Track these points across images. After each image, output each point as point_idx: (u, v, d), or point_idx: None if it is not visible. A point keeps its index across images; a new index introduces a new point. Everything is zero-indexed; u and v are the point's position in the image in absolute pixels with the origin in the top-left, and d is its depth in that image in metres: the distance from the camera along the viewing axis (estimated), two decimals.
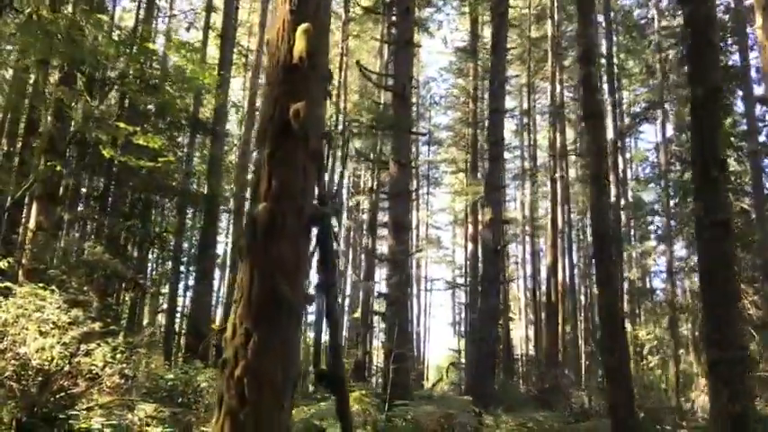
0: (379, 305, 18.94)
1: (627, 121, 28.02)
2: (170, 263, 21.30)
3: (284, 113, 4.53)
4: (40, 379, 11.14)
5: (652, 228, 29.21)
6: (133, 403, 9.94)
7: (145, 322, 21.37)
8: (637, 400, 14.87)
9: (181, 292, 20.16)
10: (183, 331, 18.88)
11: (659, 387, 19.95)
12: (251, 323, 4.30)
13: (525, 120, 29.44)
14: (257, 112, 25.73)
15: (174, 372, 11.43)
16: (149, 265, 19.40)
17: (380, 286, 30.16)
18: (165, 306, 21.83)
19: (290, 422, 4.51)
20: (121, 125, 15.33)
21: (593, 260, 10.12)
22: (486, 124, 16.72)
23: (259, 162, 4.70)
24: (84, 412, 9.61)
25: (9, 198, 17.82)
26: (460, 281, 44.72)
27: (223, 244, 27.58)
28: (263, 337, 4.26)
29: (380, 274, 45.36)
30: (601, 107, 11.29)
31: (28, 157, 17.57)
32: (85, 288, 12.75)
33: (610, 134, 24.26)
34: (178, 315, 20.11)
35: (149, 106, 19.99)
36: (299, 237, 4.50)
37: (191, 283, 20.83)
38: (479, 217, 14.68)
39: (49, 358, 11.02)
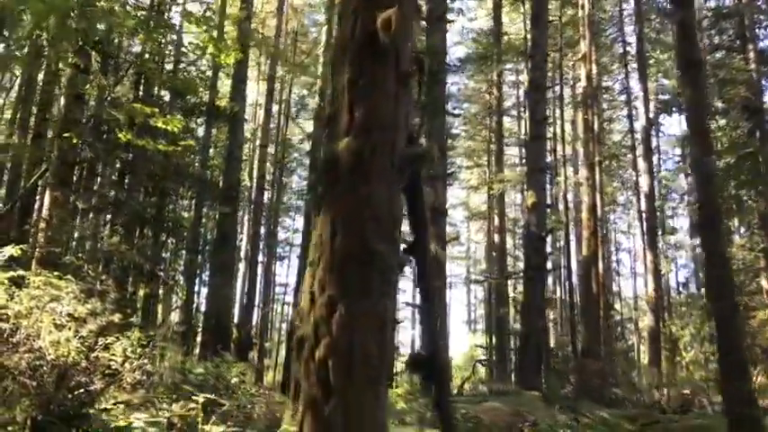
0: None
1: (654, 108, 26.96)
2: (184, 254, 20.39)
3: (368, 25, 3.57)
4: (55, 374, 10.29)
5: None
6: (159, 400, 9.01)
7: (158, 317, 20.43)
8: None
9: (193, 286, 19.22)
10: (200, 327, 17.93)
11: None
12: (335, 289, 3.32)
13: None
14: (272, 107, 24.99)
15: (204, 365, 10.49)
16: (165, 256, 18.43)
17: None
18: (179, 300, 20.96)
19: (387, 417, 3.52)
20: (138, 106, 14.44)
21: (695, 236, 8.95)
22: (527, 104, 15.64)
23: (334, 91, 3.72)
24: (105, 410, 8.72)
25: (21, 187, 17.00)
26: (474, 277, 43.75)
27: (242, 236, 26.63)
28: (352, 307, 3.30)
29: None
30: (700, 55, 10.12)
31: (41, 145, 16.72)
32: (103, 277, 11.84)
33: (642, 121, 23.24)
34: (195, 309, 19.20)
35: (164, 92, 19.13)
36: (391, 180, 3.53)
37: (205, 277, 19.96)
38: (526, 202, 13.73)
39: (66, 353, 10.14)
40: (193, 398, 4.95)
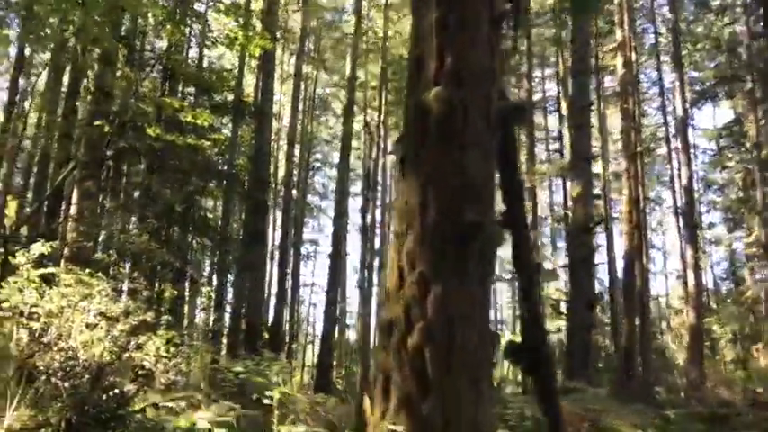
0: None
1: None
2: (210, 253, 19.98)
3: None
4: (87, 376, 9.92)
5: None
6: (198, 401, 8.57)
7: (184, 317, 19.99)
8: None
9: (223, 286, 18.78)
10: (226, 327, 17.47)
11: None
12: (428, 266, 2.80)
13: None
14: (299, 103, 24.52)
15: (243, 363, 10.00)
16: (191, 254, 18.01)
17: None
18: (205, 300, 20.58)
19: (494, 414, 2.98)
20: (168, 99, 14.11)
21: None
22: (571, 89, 14.96)
23: (418, 32, 3.20)
24: (141, 411, 8.31)
25: (48, 187, 16.75)
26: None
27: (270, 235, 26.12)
28: (448, 288, 2.77)
29: None
30: None
31: (67, 145, 16.41)
32: (135, 274, 11.46)
33: (678, 111, 22.46)
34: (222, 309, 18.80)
35: (190, 89, 18.80)
36: (486, 140, 3.00)
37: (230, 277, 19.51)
38: (569, 192, 13.13)
39: (98, 353, 9.78)
40: (267, 394, 4.43)
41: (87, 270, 10.81)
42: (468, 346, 2.72)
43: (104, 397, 8.52)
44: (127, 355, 9.92)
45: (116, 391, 8.70)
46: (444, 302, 2.73)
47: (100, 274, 11.09)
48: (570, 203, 14.87)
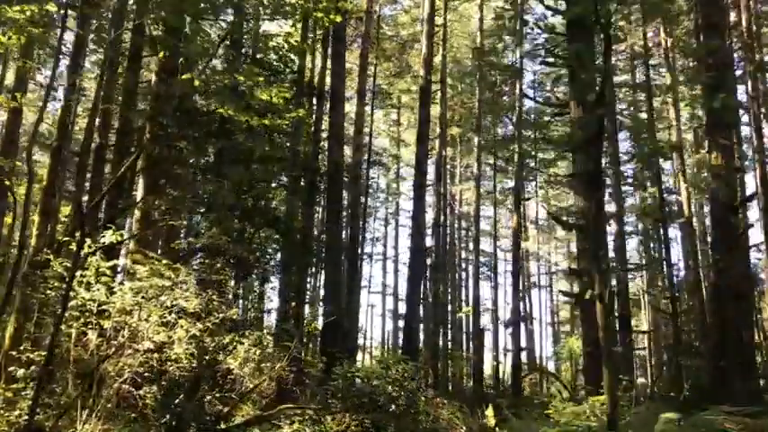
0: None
1: None
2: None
3: None
4: (178, 384, 8.47)
5: None
6: (317, 414, 7.02)
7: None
8: None
9: (304, 283, 17.34)
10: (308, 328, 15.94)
11: None
12: None
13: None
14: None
15: (368, 370, 8.45)
16: (261, 249, 16.57)
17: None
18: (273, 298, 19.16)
19: None
20: (247, 69, 12.75)
21: None
22: (698, 43, 12.88)
23: None
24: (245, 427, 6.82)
25: (109, 178, 15.56)
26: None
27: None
28: None
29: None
30: None
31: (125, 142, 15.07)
32: (218, 264, 10.02)
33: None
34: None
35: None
36: None
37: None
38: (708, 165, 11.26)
39: (183, 355, 8.35)
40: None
41: (164, 261, 9.41)
42: None
43: (203, 410, 7.05)
44: (218, 359, 8.45)
45: (216, 404, 7.22)
46: None
47: (179, 265, 9.69)
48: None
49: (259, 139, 14.36)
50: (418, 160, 16.99)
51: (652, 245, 27.84)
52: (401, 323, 38.93)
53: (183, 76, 9.80)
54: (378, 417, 6.71)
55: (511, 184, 36.89)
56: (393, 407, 6.94)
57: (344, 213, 18.12)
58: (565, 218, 19.35)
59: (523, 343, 18.91)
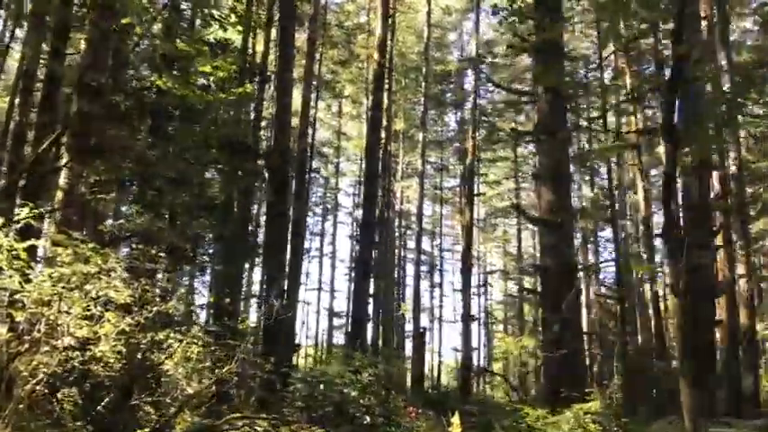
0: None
1: None
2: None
3: None
4: (86, 386, 7.34)
5: None
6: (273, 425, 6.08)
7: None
8: None
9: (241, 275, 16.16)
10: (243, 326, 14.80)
11: None
12: None
13: None
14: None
15: (334, 373, 7.44)
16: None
17: None
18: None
19: None
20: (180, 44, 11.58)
21: None
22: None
23: None
24: None
25: (30, 153, 13.98)
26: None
27: None
28: None
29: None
30: None
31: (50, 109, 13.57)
32: (152, 251, 8.88)
33: None
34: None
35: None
36: None
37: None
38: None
39: (110, 354, 7.21)
40: None
41: (90, 245, 8.22)
42: None
43: (135, 418, 5.98)
44: (147, 359, 7.39)
45: (150, 412, 6.16)
46: None
47: (107, 249, 8.54)
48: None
49: (199, 118, 13.15)
50: (371, 146, 16.17)
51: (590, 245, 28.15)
52: (336, 321, 38.22)
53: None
54: (350, 430, 5.85)
55: (453, 183, 36.73)
56: (368, 418, 6.09)
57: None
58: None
59: (464, 343, 18.43)
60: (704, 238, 10.79)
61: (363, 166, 24.25)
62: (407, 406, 8.51)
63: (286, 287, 16.64)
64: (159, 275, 11.70)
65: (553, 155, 11.19)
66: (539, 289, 13.18)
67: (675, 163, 8.51)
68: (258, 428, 6.27)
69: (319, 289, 38.09)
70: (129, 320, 8.04)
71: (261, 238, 21.76)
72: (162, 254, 11.52)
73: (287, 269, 15.13)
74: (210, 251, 15.36)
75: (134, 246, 11.24)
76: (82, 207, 10.36)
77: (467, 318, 18.10)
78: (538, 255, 34.89)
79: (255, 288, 27.10)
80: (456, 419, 7.13)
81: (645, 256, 20.01)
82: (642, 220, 15.89)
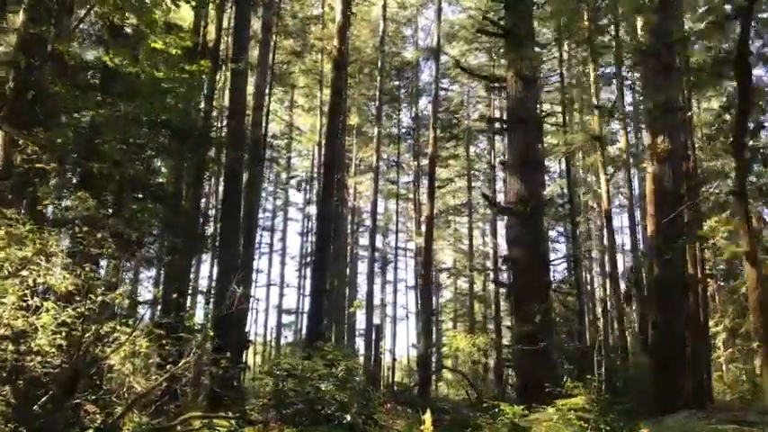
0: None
1: None
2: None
3: None
4: (21, 382, 6.60)
5: None
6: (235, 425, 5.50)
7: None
8: None
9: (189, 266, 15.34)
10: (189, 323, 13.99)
11: None
12: None
13: None
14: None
15: (293, 361, 6.87)
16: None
17: None
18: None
19: None
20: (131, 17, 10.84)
21: None
22: (656, 19, 12.34)
23: None
24: None
25: None
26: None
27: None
28: None
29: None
30: None
31: None
32: (99, 235, 8.16)
33: None
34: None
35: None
36: None
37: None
38: (652, 150, 10.71)
39: (49, 347, 6.46)
40: None
41: (27, 226, 7.47)
42: None
43: (78, 418, 5.32)
44: (91, 352, 6.70)
45: (95, 411, 5.50)
46: None
47: (52, 229, 7.81)
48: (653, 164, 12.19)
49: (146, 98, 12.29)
50: (330, 133, 15.61)
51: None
52: (285, 318, 37.43)
53: None
54: (327, 430, 5.31)
55: (407, 179, 36.45)
56: (348, 417, 5.55)
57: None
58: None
59: (424, 340, 18.05)
60: (676, 231, 10.70)
61: (321, 153, 23.71)
62: (385, 402, 8.03)
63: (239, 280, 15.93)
64: (104, 263, 10.90)
65: (523, 142, 10.93)
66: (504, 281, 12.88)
67: (749, 98, 8.44)
68: (220, 429, 5.68)
69: (269, 285, 37.27)
70: (71, 311, 7.33)
71: (210, 231, 20.96)
72: (108, 239, 10.72)
73: (239, 262, 14.41)
74: (158, 242, 14.49)
75: (77, 230, 10.41)
76: (19, 182, 9.51)
77: (428, 314, 17.74)
78: (490, 252, 35.05)
79: (202, 283, 26.16)
80: (428, 416, 6.68)
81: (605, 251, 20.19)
82: (604, 213, 15.88)
